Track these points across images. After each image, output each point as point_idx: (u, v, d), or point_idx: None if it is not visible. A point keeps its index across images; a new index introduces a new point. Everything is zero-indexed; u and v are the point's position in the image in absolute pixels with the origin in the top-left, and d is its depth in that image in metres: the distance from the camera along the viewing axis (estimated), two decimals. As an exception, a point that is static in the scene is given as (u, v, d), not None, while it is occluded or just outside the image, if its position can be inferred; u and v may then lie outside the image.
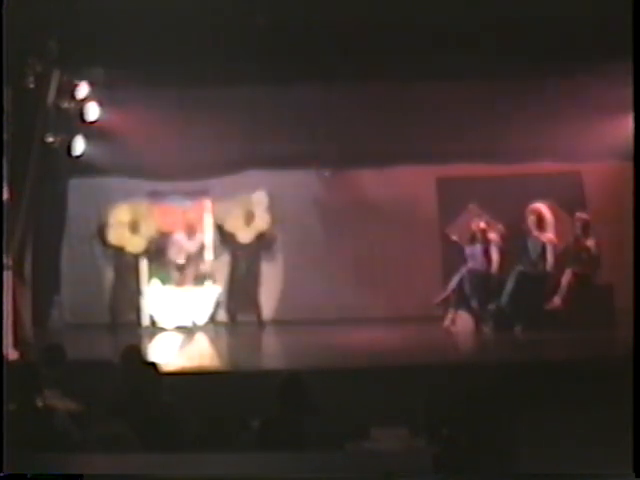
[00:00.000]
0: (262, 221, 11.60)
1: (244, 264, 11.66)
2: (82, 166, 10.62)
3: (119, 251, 11.47)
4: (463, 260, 10.77)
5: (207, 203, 11.78)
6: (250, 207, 11.57)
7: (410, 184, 11.64)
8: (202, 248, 11.64)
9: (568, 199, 11.26)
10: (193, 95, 10.43)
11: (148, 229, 11.44)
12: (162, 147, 10.59)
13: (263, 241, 11.69)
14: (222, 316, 11.65)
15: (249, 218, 11.58)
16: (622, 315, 9.04)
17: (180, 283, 11.43)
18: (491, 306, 10.22)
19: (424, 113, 10.60)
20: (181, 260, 11.48)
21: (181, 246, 11.52)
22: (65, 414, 5.19)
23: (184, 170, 11.09)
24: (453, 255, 11.30)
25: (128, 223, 11.40)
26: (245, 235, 11.61)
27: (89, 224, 11.63)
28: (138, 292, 11.45)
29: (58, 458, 4.36)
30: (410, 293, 11.39)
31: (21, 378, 5.26)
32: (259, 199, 11.58)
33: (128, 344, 6.85)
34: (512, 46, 9.12)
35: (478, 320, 10.30)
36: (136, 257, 11.47)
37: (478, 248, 10.65)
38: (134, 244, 11.41)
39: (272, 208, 11.63)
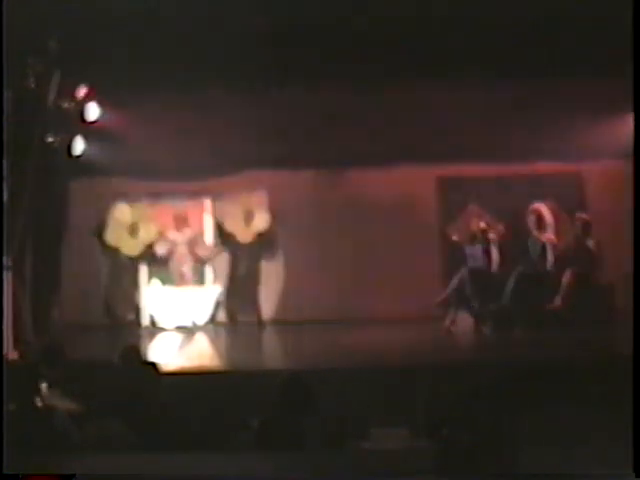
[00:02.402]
0: (261, 221, 11.59)
1: (244, 264, 11.66)
2: (82, 166, 10.63)
3: (117, 252, 11.46)
4: (463, 260, 10.77)
5: (207, 203, 11.78)
6: (250, 207, 11.56)
7: (410, 184, 11.64)
8: (201, 248, 11.63)
9: (568, 199, 11.27)
10: (193, 95, 10.44)
11: (147, 232, 11.42)
12: (162, 147, 10.59)
13: (263, 241, 11.68)
14: (222, 316, 11.65)
15: (249, 218, 11.57)
16: (622, 315, 9.05)
17: (180, 283, 11.43)
18: (491, 306, 10.22)
19: (424, 113, 10.61)
20: (180, 260, 11.48)
21: (179, 246, 11.53)
22: (65, 414, 5.19)
23: (184, 170, 11.09)
24: (453, 255, 11.31)
25: (128, 225, 11.38)
26: (245, 235, 11.60)
27: (89, 224, 11.63)
28: (138, 292, 11.45)
29: (58, 458, 4.36)
30: (410, 293, 11.38)
31: (21, 378, 5.26)
32: (259, 199, 11.58)
33: (128, 344, 6.86)
34: (512, 46, 9.13)
35: (478, 320, 10.30)
36: (136, 258, 11.47)
37: (478, 248, 10.65)
38: (131, 246, 11.40)
39: (272, 208, 11.63)
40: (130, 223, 11.39)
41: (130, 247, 11.41)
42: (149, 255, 11.49)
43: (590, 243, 10.24)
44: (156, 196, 11.70)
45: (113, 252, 11.54)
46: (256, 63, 9.33)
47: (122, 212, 11.42)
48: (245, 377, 7.57)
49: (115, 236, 11.42)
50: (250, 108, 10.53)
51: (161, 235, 11.57)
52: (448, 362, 8.53)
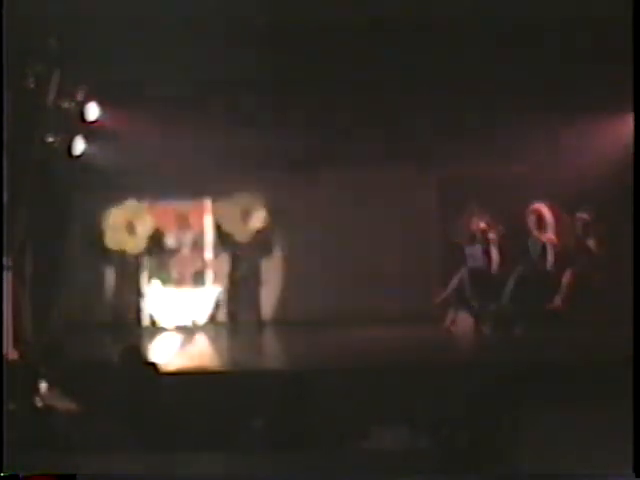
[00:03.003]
0: (259, 219, 11.57)
1: (244, 264, 11.64)
2: (82, 166, 10.63)
3: (118, 253, 11.44)
4: (463, 260, 10.77)
5: (207, 203, 11.78)
6: (247, 206, 11.54)
7: (410, 184, 11.64)
8: (201, 247, 11.63)
9: (568, 199, 11.27)
10: (193, 95, 10.43)
11: (144, 228, 11.40)
12: (162, 147, 10.59)
13: (262, 241, 11.66)
14: (222, 316, 11.64)
15: (246, 216, 11.55)
16: (622, 315, 9.03)
17: (180, 283, 11.42)
18: (491, 306, 10.22)
19: (424, 113, 10.60)
20: (180, 259, 11.48)
21: (180, 245, 11.53)
22: (65, 414, 5.19)
23: (184, 170, 11.08)
24: (453, 255, 11.31)
25: (124, 225, 11.36)
26: (243, 234, 11.58)
27: (89, 224, 11.64)
28: (138, 292, 11.45)
29: (58, 458, 4.36)
30: (410, 293, 11.39)
31: (21, 378, 5.26)
32: (256, 197, 11.55)
33: (128, 344, 6.85)
34: (512, 46, 9.13)
35: (478, 320, 10.30)
36: (135, 258, 11.46)
37: (478, 248, 10.65)
38: (132, 245, 11.38)
39: (271, 207, 11.62)
40: (126, 223, 11.36)
41: (132, 245, 11.39)
42: (150, 252, 11.48)
43: (590, 243, 10.24)
44: (156, 196, 11.70)
45: (113, 253, 11.53)
46: (257, 63, 9.33)
47: (115, 215, 11.39)
48: (245, 377, 7.57)
49: (115, 240, 11.38)
50: (250, 107, 10.52)
51: (160, 234, 11.57)
52: (448, 362, 8.54)
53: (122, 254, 11.45)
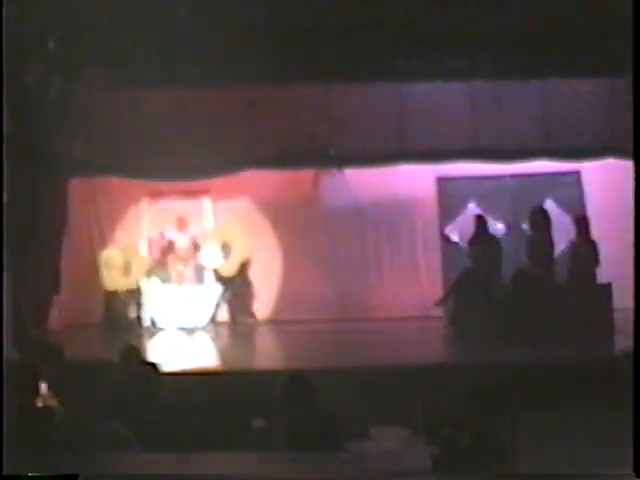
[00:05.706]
0: (241, 248, 11.40)
1: (237, 281, 11.49)
2: (82, 166, 10.62)
3: (113, 295, 11.30)
4: (463, 260, 10.76)
5: (207, 203, 11.77)
6: (225, 238, 11.42)
7: (410, 184, 11.63)
8: (201, 248, 11.61)
9: (568, 198, 11.28)
10: (193, 95, 10.44)
11: (140, 268, 11.28)
12: (162, 147, 10.58)
13: (246, 269, 11.50)
14: (222, 316, 11.63)
15: (226, 250, 11.41)
16: (622, 315, 9.04)
17: (180, 283, 11.40)
18: (491, 307, 10.20)
19: (424, 112, 10.60)
20: (180, 260, 11.47)
21: (180, 246, 11.53)
22: (65, 414, 5.19)
23: (184, 170, 11.06)
24: (453, 255, 11.31)
25: (121, 267, 11.24)
26: (227, 269, 11.41)
27: (89, 224, 11.64)
28: (138, 292, 11.43)
29: (58, 458, 4.36)
30: (410, 293, 11.39)
31: (21, 378, 5.26)
32: (232, 228, 11.45)
33: (128, 344, 6.85)
34: (513, 46, 9.13)
35: (477, 320, 10.27)
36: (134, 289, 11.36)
37: (477, 248, 10.63)
38: (126, 283, 11.25)
39: (271, 206, 11.62)
40: (122, 264, 11.24)
41: (126, 283, 11.26)
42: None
43: (590, 243, 10.22)
44: (156, 196, 11.70)
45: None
46: (257, 62, 9.33)
47: (113, 256, 11.30)
48: (245, 377, 7.57)
49: (110, 280, 11.24)
50: (250, 108, 10.53)
51: (159, 234, 11.57)
52: (448, 362, 8.54)
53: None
